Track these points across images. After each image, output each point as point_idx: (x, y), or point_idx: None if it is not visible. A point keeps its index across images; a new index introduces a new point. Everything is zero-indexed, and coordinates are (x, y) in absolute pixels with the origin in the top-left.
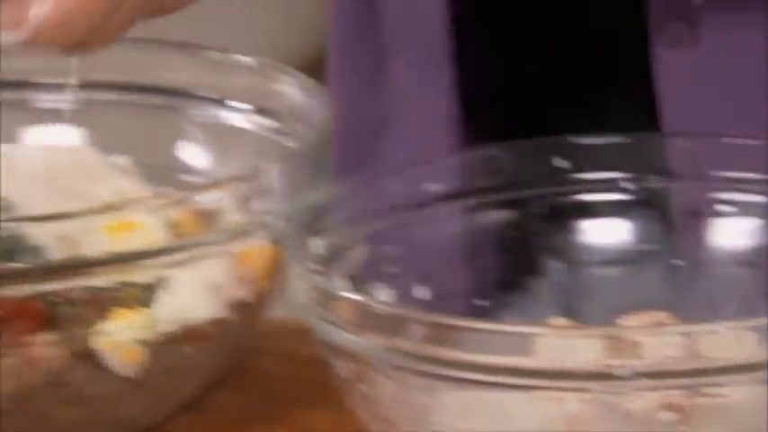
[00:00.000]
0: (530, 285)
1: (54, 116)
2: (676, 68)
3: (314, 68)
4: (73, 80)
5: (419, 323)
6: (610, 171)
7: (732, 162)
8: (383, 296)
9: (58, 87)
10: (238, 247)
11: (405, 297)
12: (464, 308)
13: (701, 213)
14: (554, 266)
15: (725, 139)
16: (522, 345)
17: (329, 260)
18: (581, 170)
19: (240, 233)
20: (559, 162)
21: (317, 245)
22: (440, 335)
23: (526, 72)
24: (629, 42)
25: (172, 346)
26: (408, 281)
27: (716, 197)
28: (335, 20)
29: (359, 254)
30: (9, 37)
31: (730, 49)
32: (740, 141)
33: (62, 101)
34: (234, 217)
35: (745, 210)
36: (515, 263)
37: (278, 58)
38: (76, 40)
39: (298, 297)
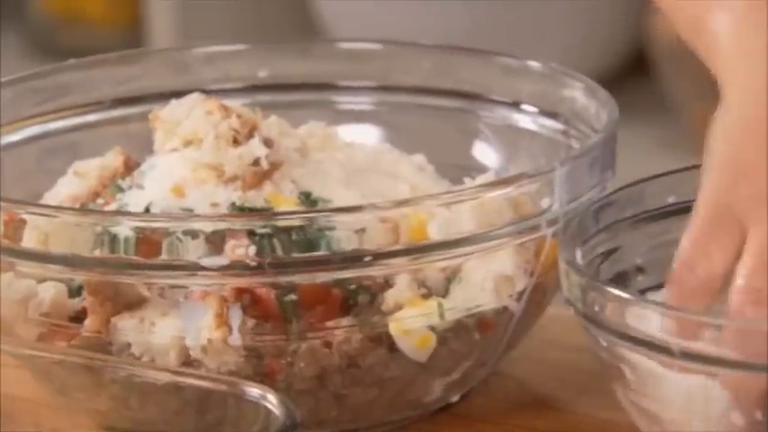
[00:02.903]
0: None
1: (357, 116)
2: None
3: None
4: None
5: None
6: None
7: None
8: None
9: (361, 90)
10: (525, 240)
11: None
12: None
13: None
14: None
15: None
16: None
17: (597, 260)
18: None
19: (528, 228)
20: None
21: (587, 244)
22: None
23: None
24: None
25: (460, 334)
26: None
27: None
28: None
29: (625, 254)
30: None
31: None
32: None
33: (364, 102)
34: (522, 212)
35: None
36: None
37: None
38: None
39: (568, 292)
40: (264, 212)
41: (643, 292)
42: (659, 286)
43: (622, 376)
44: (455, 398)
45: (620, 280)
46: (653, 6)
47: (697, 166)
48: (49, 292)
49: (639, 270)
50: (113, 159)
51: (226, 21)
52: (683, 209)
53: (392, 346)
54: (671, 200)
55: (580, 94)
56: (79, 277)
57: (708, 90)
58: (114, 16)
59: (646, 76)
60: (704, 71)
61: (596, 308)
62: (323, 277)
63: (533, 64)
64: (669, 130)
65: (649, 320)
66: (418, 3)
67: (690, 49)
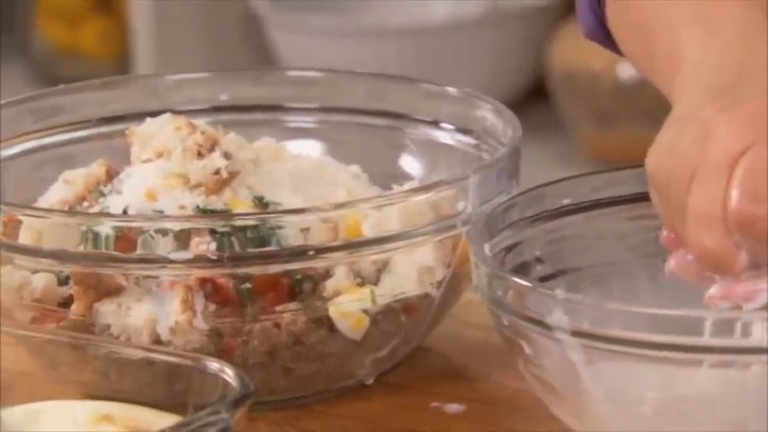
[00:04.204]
0: None
1: (302, 133)
2: None
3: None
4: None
5: (567, 302)
6: None
7: None
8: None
9: (306, 111)
10: (443, 237)
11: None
12: None
13: None
14: None
15: None
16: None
17: (502, 253)
18: None
19: (446, 227)
20: None
21: (494, 240)
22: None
23: None
24: None
25: (389, 316)
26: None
27: None
28: None
29: (526, 248)
30: None
31: None
32: None
33: (308, 121)
34: (441, 213)
35: None
36: None
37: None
38: None
39: (477, 280)
40: (224, 214)
41: (541, 279)
42: (554, 275)
43: (522, 351)
44: (370, 380)
45: (522, 270)
46: (550, 43)
47: (588, 174)
48: (41, 281)
49: (538, 261)
50: (97, 169)
51: (196, 53)
52: (576, 209)
53: (332, 327)
54: (565, 201)
55: (490, 115)
56: (67, 269)
57: (593, 115)
58: (105, 49)
59: (545, 101)
60: (591, 99)
61: (500, 293)
62: (273, 269)
63: (450, 89)
64: (563, 147)
65: (544, 304)
66: (356, 39)
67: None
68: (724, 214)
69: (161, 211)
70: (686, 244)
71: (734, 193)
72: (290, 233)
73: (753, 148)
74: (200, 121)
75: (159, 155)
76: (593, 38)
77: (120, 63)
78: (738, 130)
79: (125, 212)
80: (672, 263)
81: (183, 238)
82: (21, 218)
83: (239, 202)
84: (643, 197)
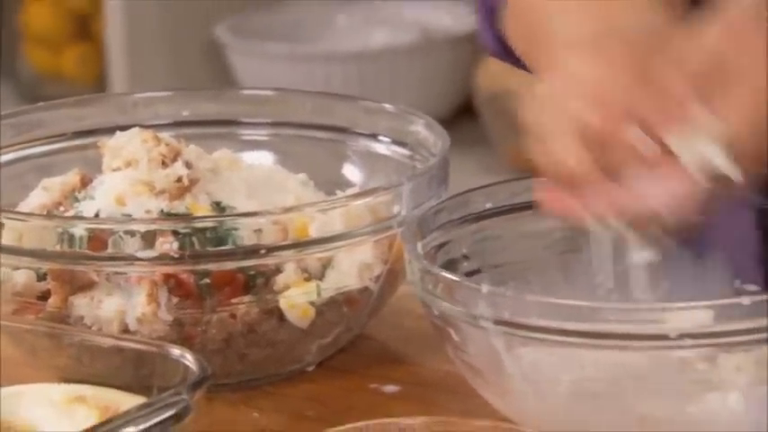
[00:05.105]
0: None
1: (256, 145)
2: None
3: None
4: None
5: (490, 295)
6: None
7: None
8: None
9: (259, 125)
10: (381, 237)
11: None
12: None
13: None
14: None
15: None
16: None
17: (433, 251)
18: None
19: (383, 228)
20: None
21: (426, 239)
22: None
23: None
24: None
25: (333, 307)
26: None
27: None
28: None
29: (454, 247)
30: None
31: None
32: None
33: (261, 135)
34: (379, 216)
35: None
36: None
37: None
38: None
39: (411, 275)
40: (185, 217)
41: (468, 275)
42: (479, 270)
43: (451, 338)
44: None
45: (450, 266)
46: (477, 67)
47: (508, 180)
48: (22, 277)
49: (465, 258)
50: (72, 177)
51: (164, 75)
52: (497, 212)
53: (281, 317)
54: (488, 205)
55: (422, 129)
56: (45, 266)
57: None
58: (84, 71)
59: (472, 118)
60: (512, 117)
61: (431, 286)
62: (229, 265)
63: (388, 106)
64: (487, 158)
65: (470, 296)
66: (306, 63)
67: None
68: (581, 132)
69: (129, 215)
70: (552, 172)
71: (585, 112)
72: (245, 234)
73: (602, 78)
74: (165, 135)
75: (128, 164)
76: (496, 55)
77: (97, 84)
78: (591, 63)
79: (97, 216)
80: (545, 200)
81: (148, 239)
82: (3, 221)
83: (199, 206)
84: None
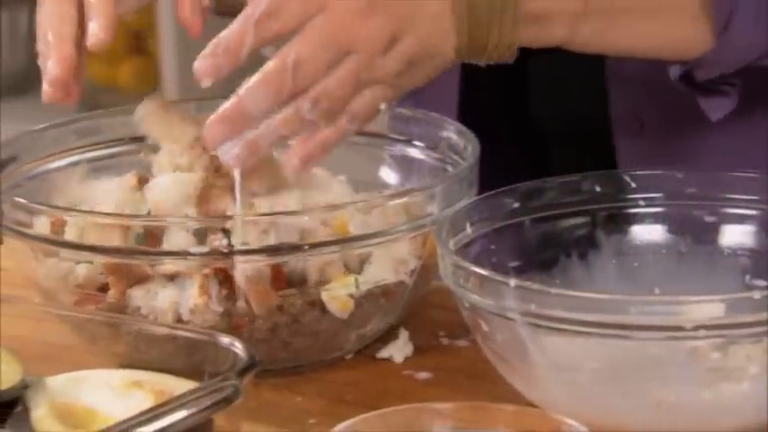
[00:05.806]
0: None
1: None
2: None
3: None
4: None
5: (517, 288)
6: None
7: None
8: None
9: None
10: (415, 234)
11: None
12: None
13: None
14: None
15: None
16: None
17: (463, 247)
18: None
19: (417, 226)
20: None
21: (457, 237)
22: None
23: None
24: None
25: (371, 299)
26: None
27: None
28: None
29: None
30: None
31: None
32: None
33: None
34: (413, 215)
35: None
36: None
37: None
38: None
39: (443, 270)
40: (234, 215)
41: (496, 269)
42: (506, 265)
43: (480, 328)
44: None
45: (480, 261)
46: None
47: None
48: (83, 270)
49: (494, 253)
50: (130, 178)
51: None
52: (524, 212)
53: (323, 308)
54: (515, 206)
55: (453, 134)
56: (103, 260)
57: None
58: (139, 84)
59: None
60: None
61: (462, 280)
62: (276, 260)
63: (420, 113)
64: None
65: (498, 289)
66: None
67: None
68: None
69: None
70: None
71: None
72: (290, 231)
73: None
74: None
75: (178, 168)
76: None
77: (150, 95)
78: None
79: (150, 214)
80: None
81: (200, 236)
82: (66, 218)
83: None
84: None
